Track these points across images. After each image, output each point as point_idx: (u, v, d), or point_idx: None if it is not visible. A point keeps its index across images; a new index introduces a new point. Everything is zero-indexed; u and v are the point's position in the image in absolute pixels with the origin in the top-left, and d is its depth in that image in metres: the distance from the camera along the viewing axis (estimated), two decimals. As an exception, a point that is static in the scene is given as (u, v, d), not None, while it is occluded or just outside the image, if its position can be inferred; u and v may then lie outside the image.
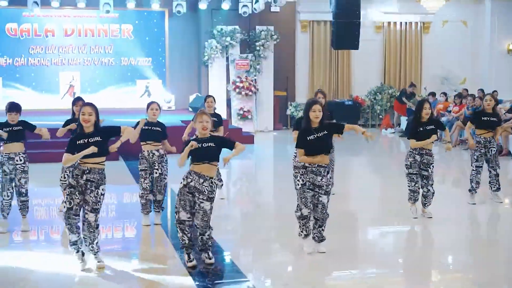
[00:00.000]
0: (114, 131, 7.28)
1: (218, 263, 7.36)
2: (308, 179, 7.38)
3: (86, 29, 20.67)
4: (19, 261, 7.51)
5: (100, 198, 7.11)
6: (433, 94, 20.28)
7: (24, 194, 8.90)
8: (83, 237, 7.22)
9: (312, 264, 7.36)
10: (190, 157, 7.00)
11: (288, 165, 14.86)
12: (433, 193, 9.11)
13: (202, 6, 19.22)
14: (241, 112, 20.01)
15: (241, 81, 20.14)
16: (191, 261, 7.14)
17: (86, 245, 7.26)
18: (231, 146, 7.21)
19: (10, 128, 8.72)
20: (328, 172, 7.46)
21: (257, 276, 7.01)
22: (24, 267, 7.33)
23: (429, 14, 20.62)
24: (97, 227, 7.19)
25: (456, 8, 22.34)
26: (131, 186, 12.05)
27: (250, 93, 20.21)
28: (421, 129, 8.99)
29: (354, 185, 13.17)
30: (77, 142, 7.05)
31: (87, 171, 7.01)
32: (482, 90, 19.09)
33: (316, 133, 7.35)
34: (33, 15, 19.53)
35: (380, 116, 22.32)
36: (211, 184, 7.02)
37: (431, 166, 9.01)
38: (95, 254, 7.25)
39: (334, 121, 10.02)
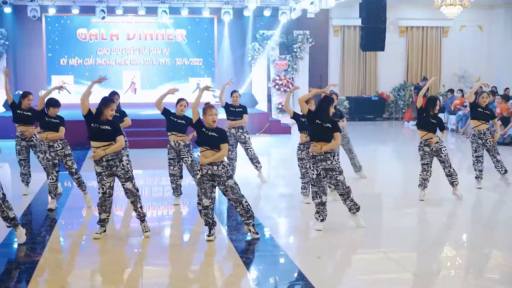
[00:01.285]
0: (117, 130, 7.24)
1: (259, 238, 7.39)
2: (320, 167, 7.43)
3: (145, 34, 20.90)
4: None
5: (127, 168, 7.18)
6: (451, 90, 20.19)
7: (74, 173, 8.95)
8: (131, 203, 7.32)
9: (342, 240, 7.39)
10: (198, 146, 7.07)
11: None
12: (455, 171, 9.09)
13: (247, 13, 19.36)
14: (280, 106, 20.09)
15: (280, 79, 20.24)
16: (210, 236, 7.20)
17: (134, 211, 7.38)
18: (224, 142, 7.07)
19: (50, 120, 8.79)
20: (334, 156, 7.44)
21: (293, 250, 7.06)
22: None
23: (448, 19, 20.43)
24: (137, 190, 7.29)
25: (473, 14, 22.07)
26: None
27: (288, 89, 20.25)
28: (427, 121, 9.05)
29: (380, 170, 13.16)
30: (91, 125, 7.16)
31: (105, 156, 7.09)
32: (495, 87, 19.02)
33: (322, 121, 7.38)
34: (100, 21, 19.79)
35: (403, 110, 22.29)
36: (223, 166, 7.01)
37: (442, 151, 9.00)
38: (142, 221, 7.39)
39: (344, 119, 10.30)
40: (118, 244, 7.19)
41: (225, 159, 7.23)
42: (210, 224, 7.24)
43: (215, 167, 6.97)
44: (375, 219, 8.33)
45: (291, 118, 9.09)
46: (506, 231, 7.99)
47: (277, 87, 20.23)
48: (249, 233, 7.34)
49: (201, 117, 7.15)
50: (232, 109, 10.55)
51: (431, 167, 9.16)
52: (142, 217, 7.36)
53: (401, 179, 12.12)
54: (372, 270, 6.44)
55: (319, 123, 7.39)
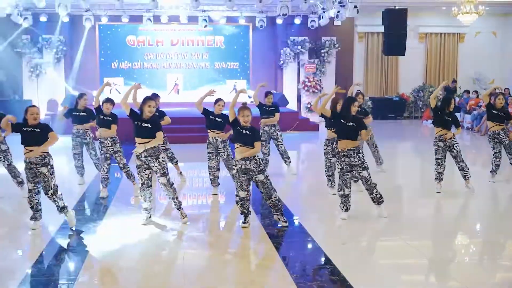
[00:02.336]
0: (156, 127, 7.29)
1: (288, 225, 7.41)
2: (344, 163, 7.40)
3: (187, 40, 20.99)
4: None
5: (162, 165, 7.23)
6: (467, 91, 19.98)
7: (123, 167, 9.09)
8: (167, 195, 7.43)
9: (365, 228, 7.38)
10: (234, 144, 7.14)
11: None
12: (466, 165, 8.99)
13: (279, 21, 19.35)
14: (309, 105, 20.08)
15: (309, 81, 20.20)
16: (245, 223, 7.26)
17: (171, 201, 7.43)
18: (257, 139, 7.11)
19: (103, 117, 8.96)
20: (357, 153, 7.38)
21: (320, 236, 7.03)
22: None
23: (464, 26, 20.20)
24: (172, 185, 7.35)
25: (487, 21, 21.75)
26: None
27: (316, 90, 20.22)
28: (446, 118, 8.91)
29: (399, 165, 13.06)
30: (136, 122, 7.24)
31: (144, 151, 7.17)
32: (508, 89, 18.73)
33: (347, 120, 7.36)
34: (147, 29, 19.95)
35: (422, 110, 22.08)
36: (256, 161, 7.03)
37: (455, 147, 8.89)
38: (178, 209, 7.46)
39: (370, 116, 10.13)
40: (161, 229, 7.26)
41: (260, 155, 7.25)
42: (246, 213, 7.29)
43: (248, 162, 7.00)
44: (395, 210, 8.27)
45: (320, 116, 9.04)
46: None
47: (306, 88, 20.20)
48: (279, 222, 7.36)
49: (237, 117, 7.19)
50: (265, 108, 10.58)
51: (444, 161, 9.04)
52: (178, 206, 7.47)
53: (419, 173, 12.03)
54: (392, 256, 6.45)
55: (343, 123, 7.38)
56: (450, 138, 8.88)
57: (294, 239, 7.00)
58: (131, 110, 7.32)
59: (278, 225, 7.35)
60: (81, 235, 7.03)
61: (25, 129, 7.03)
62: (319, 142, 15.56)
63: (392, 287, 5.51)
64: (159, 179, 7.30)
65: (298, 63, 20.58)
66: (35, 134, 7.00)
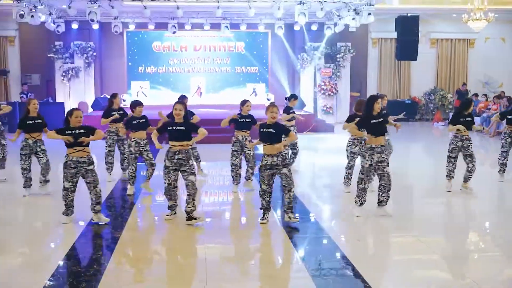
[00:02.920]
0: (194, 128, 7.29)
1: (305, 222, 7.41)
2: (375, 159, 7.34)
3: (210, 46, 21.11)
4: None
5: (192, 166, 7.23)
6: (476, 95, 19.79)
7: (152, 165, 9.08)
8: (188, 194, 7.17)
9: (378, 225, 7.32)
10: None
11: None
12: (475, 170, 8.87)
13: (296, 27, 19.33)
14: (325, 108, 20.06)
15: (325, 85, 20.14)
16: (264, 219, 7.25)
17: (188, 202, 7.21)
18: (286, 133, 7.13)
19: (138, 120, 8.89)
20: (386, 149, 7.47)
21: (335, 233, 7.03)
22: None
23: (474, 32, 20.00)
24: (196, 189, 7.19)
25: (496, 28, 21.51)
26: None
27: (332, 93, 20.20)
28: (461, 119, 8.79)
29: (411, 164, 12.97)
30: (169, 128, 7.22)
31: (177, 152, 7.11)
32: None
33: (376, 119, 7.39)
34: (172, 35, 20.00)
35: (433, 112, 21.92)
36: (282, 157, 7.06)
37: (470, 147, 8.80)
38: (192, 209, 7.26)
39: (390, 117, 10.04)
40: (184, 225, 7.26)
41: (288, 151, 7.25)
42: (265, 208, 7.26)
43: (275, 158, 7.02)
44: (407, 208, 8.24)
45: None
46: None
47: (322, 91, 20.15)
48: (290, 221, 7.23)
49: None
50: (292, 112, 10.58)
51: (456, 160, 8.94)
52: (191, 210, 7.21)
53: (429, 172, 11.90)
54: (404, 252, 6.41)
55: (374, 122, 7.38)
56: (467, 139, 8.78)
57: (310, 235, 6.98)
58: (162, 125, 7.39)
59: (292, 225, 7.33)
60: (110, 229, 7.09)
61: (69, 132, 7.03)
62: (334, 142, 15.50)
63: (404, 281, 5.48)
64: (187, 177, 7.17)
65: (315, 67, 20.54)
66: (81, 135, 7.04)
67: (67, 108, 18.83)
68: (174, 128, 7.14)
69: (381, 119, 7.41)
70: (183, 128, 7.13)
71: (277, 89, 21.04)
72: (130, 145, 8.95)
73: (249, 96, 20.48)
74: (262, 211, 7.29)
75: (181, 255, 6.30)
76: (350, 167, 9.11)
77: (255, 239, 6.97)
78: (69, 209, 7.24)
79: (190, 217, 7.18)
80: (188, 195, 7.17)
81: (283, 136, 7.09)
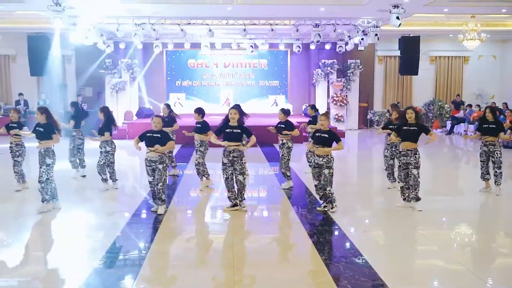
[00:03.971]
0: (247, 132, 7.43)
1: (318, 215, 7.40)
2: (402, 161, 7.45)
3: (237, 63, 21.18)
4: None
5: (243, 166, 7.39)
6: (470, 105, 19.51)
7: (196, 164, 9.16)
8: (237, 191, 7.47)
9: (384, 219, 7.28)
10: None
11: (367, 150, 14.76)
12: (501, 173, 8.63)
13: (312, 47, 19.28)
14: (337, 116, 19.98)
15: (337, 96, 20.07)
16: (321, 207, 7.52)
17: (238, 196, 7.54)
18: (336, 140, 7.25)
19: (197, 125, 9.04)
20: (415, 153, 7.40)
21: (345, 225, 7.00)
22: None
23: (469, 51, 19.77)
24: (244, 186, 7.52)
25: (488, 46, 21.31)
26: (265, 163, 12.42)
27: (343, 104, 20.13)
28: (484, 126, 8.68)
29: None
30: (225, 130, 7.37)
31: (232, 151, 7.31)
32: (505, 104, 18.27)
33: (409, 126, 7.44)
34: (204, 54, 20.17)
35: (432, 120, 21.69)
36: (328, 159, 7.20)
37: (495, 153, 8.57)
38: (241, 201, 7.56)
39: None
40: (214, 218, 7.31)
41: (333, 154, 7.34)
42: (321, 197, 7.51)
43: (321, 159, 7.20)
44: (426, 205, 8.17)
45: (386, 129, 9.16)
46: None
47: (334, 102, 20.07)
48: (326, 210, 7.45)
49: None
50: (228, 130, 10.52)
51: (487, 164, 8.74)
52: (241, 199, 7.58)
53: (429, 174, 11.78)
54: (406, 242, 6.36)
55: (406, 128, 7.48)
56: (494, 145, 8.59)
57: (323, 227, 6.97)
58: (219, 128, 7.49)
59: (310, 216, 7.32)
60: (150, 220, 7.18)
61: (149, 134, 7.26)
62: (346, 147, 15.41)
63: (406, 267, 5.46)
64: (237, 176, 7.40)
65: (328, 81, 20.48)
66: (157, 138, 7.22)
67: (116, 116, 19.12)
68: (230, 130, 7.34)
69: (415, 128, 7.43)
70: (238, 130, 7.34)
71: (295, 100, 21.03)
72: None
73: (271, 106, 20.57)
74: (320, 199, 7.58)
75: (214, 240, 6.35)
76: (385, 168, 9.28)
77: (276, 231, 7.00)
78: (155, 200, 7.45)
79: (242, 202, 7.57)
80: (238, 189, 7.49)
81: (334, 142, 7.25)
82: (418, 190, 7.53)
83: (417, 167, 7.42)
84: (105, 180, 9.01)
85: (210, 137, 7.64)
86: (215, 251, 6.06)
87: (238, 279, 5.06)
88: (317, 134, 7.31)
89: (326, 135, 7.20)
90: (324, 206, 7.49)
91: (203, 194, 8.91)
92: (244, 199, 7.69)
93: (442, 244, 6.22)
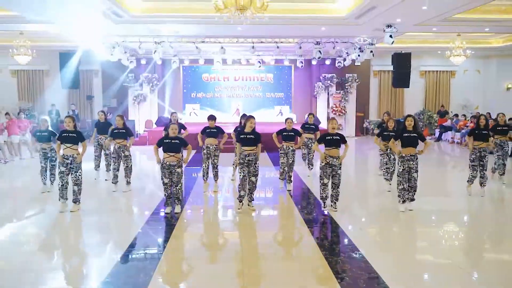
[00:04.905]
0: (259, 138, 7.44)
1: (319, 215, 7.37)
2: (406, 165, 7.33)
3: (246, 77, 21.17)
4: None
5: (257, 168, 7.39)
6: (456, 115, 19.43)
7: (215, 167, 9.18)
8: (248, 191, 7.46)
9: (379, 218, 7.19)
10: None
11: (363, 154, 14.70)
12: (487, 177, 8.65)
13: (314, 62, 19.19)
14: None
15: (336, 107, 20.04)
16: (325, 207, 7.49)
17: (248, 197, 7.53)
18: (344, 142, 7.38)
19: (210, 130, 9.08)
20: (416, 158, 7.35)
21: (343, 222, 6.99)
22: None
23: (455, 66, 19.68)
24: (255, 188, 7.52)
25: (473, 62, 21.26)
26: (271, 167, 12.40)
27: (342, 114, 20.08)
28: (476, 132, 8.62)
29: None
30: (240, 136, 7.42)
31: (248, 155, 7.32)
32: (489, 113, 18.13)
33: (409, 133, 7.38)
34: (217, 69, 20.11)
35: (422, 129, 21.56)
36: (339, 160, 7.28)
37: (484, 159, 8.56)
38: (251, 201, 7.55)
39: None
40: (225, 218, 7.29)
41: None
42: (324, 198, 7.48)
43: (335, 160, 7.27)
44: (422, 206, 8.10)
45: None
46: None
47: (334, 112, 20.03)
48: (334, 208, 7.45)
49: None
50: (307, 126, 10.58)
51: (477, 168, 8.66)
52: (250, 199, 7.58)
53: (419, 178, 11.70)
54: (400, 239, 6.32)
55: (407, 135, 7.38)
56: (484, 150, 8.55)
57: (324, 225, 6.95)
58: (237, 135, 7.56)
59: (320, 216, 7.30)
60: (168, 218, 7.17)
61: (166, 140, 7.25)
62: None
63: (399, 261, 5.42)
64: (250, 177, 7.40)
65: (328, 93, 20.44)
66: (175, 144, 7.22)
67: (137, 124, 19.22)
68: (245, 136, 7.40)
69: (415, 135, 7.37)
70: (252, 136, 7.38)
71: (299, 110, 21.00)
72: (203, 148, 9.17)
73: (276, 116, 20.55)
74: (322, 199, 7.48)
75: (224, 238, 6.34)
76: (383, 169, 9.23)
77: (281, 228, 6.97)
78: (168, 200, 7.42)
79: (251, 202, 7.58)
80: (248, 189, 7.49)
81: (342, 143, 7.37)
82: (415, 192, 7.47)
83: (417, 171, 7.38)
84: (128, 183, 9.06)
85: (237, 147, 7.55)
86: (226, 246, 6.04)
87: (246, 271, 5.05)
88: (328, 138, 7.29)
89: (338, 137, 7.30)
90: (334, 204, 7.45)
91: (216, 195, 8.91)
92: (253, 200, 7.67)
93: (432, 241, 6.17)
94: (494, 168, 9.87)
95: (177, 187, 7.33)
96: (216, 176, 9.27)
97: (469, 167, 8.77)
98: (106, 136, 10.01)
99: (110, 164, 10.11)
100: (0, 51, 18.18)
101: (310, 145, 10.51)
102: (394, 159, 9.06)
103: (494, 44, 19.41)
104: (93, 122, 12.45)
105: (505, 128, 9.79)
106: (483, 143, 8.57)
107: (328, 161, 7.30)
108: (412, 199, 7.51)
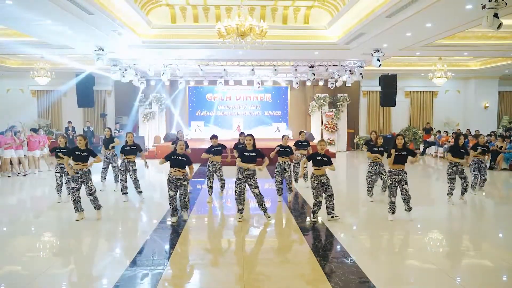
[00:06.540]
0: (261, 155, 7.38)
1: (313, 223, 7.34)
2: (394, 179, 7.32)
3: (246, 96, 21.20)
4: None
5: (256, 181, 7.32)
6: (439, 131, 19.48)
7: (222, 180, 9.16)
8: (257, 203, 7.38)
9: (370, 226, 7.12)
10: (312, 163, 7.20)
11: (354, 168, 14.66)
12: (468, 187, 8.74)
13: (308, 83, 19.27)
14: (328, 140, 19.91)
15: (329, 124, 20.06)
16: (314, 218, 7.36)
17: (260, 209, 7.42)
18: (330, 164, 7.18)
19: (215, 148, 9.01)
20: (405, 173, 7.34)
21: (335, 230, 6.97)
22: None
23: (437, 86, 19.83)
24: (262, 197, 7.39)
25: (453, 83, 21.42)
26: (269, 179, 12.34)
27: (334, 130, 20.10)
28: (455, 150, 8.67)
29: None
30: (244, 153, 7.38)
31: (247, 170, 7.27)
32: (469, 130, 18.19)
33: (400, 151, 7.36)
34: (220, 89, 20.29)
35: (407, 144, 21.62)
36: (326, 177, 7.21)
37: (464, 171, 8.66)
38: (264, 211, 7.43)
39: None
40: (230, 226, 7.25)
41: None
42: (315, 212, 7.36)
43: (325, 178, 7.19)
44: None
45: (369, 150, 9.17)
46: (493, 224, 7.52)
47: (327, 129, 20.06)
48: (332, 218, 7.37)
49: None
50: (300, 143, 10.52)
51: (455, 180, 8.75)
52: (264, 209, 7.49)
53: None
54: (388, 246, 6.27)
55: (398, 154, 7.34)
56: (461, 165, 8.60)
57: (318, 232, 6.91)
58: (239, 153, 7.49)
59: (315, 224, 7.25)
60: (174, 226, 7.13)
61: (174, 156, 7.23)
62: (336, 166, 15.36)
63: (388, 266, 5.37)
64: (253, 190, 7.32)
65: (321, 111, 20.47)
66: (181, 161, 7.20)
67: (146, 140, 19.22)
68: (248, 154, 7.33)
69: (405, 153, 7.32)
70: (254, 154, 7.32)
71: (294, 127, 21.02)
72: (208, 166, 9.13)
73: (274, 132, 20.55)
74: (313, 213, 7.39)
75: (226, 245, 6.30)
76: (368, 182, 9.14)
77: (278, 235, 6.93)
78: (174, 211, 7.37)
79: (266, 213, 7.47)
80: (257, 202, 7.41)
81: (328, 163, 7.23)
82: (409, 201, 7.45)
83: (407, 183, 7.38)
84: (140, 192, 9.06)
85: (237, 162, 7.48)
86: (228, 253, 5.99)
87: (247, 276, 5.01)
88: (318, 158, 7.19)
89: (326, 159, 7.18)
90: (332, 214, 7.39)
91: (218, 205, 8.87)
92: (267, 209, 7.55)
93: (418, 247, 6.13)
94: (473, 185, 9.87)
95: (185, 199, 7.36)
96: (223, 186, 9.34)
97: (448, 180, 8.82)
98: (110, 151, 9.99)
99: (118, 176, 10.05)
100: (22, 73, 18.29)
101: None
102: (380, 172, 9.10)
103: (473, 66, 19.56)
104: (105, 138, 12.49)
105: (484, 148, 9.92)
106: (460, 159, 8.66)
107: (320, 180, 7.21)
108: (409, 209, 7.45)
